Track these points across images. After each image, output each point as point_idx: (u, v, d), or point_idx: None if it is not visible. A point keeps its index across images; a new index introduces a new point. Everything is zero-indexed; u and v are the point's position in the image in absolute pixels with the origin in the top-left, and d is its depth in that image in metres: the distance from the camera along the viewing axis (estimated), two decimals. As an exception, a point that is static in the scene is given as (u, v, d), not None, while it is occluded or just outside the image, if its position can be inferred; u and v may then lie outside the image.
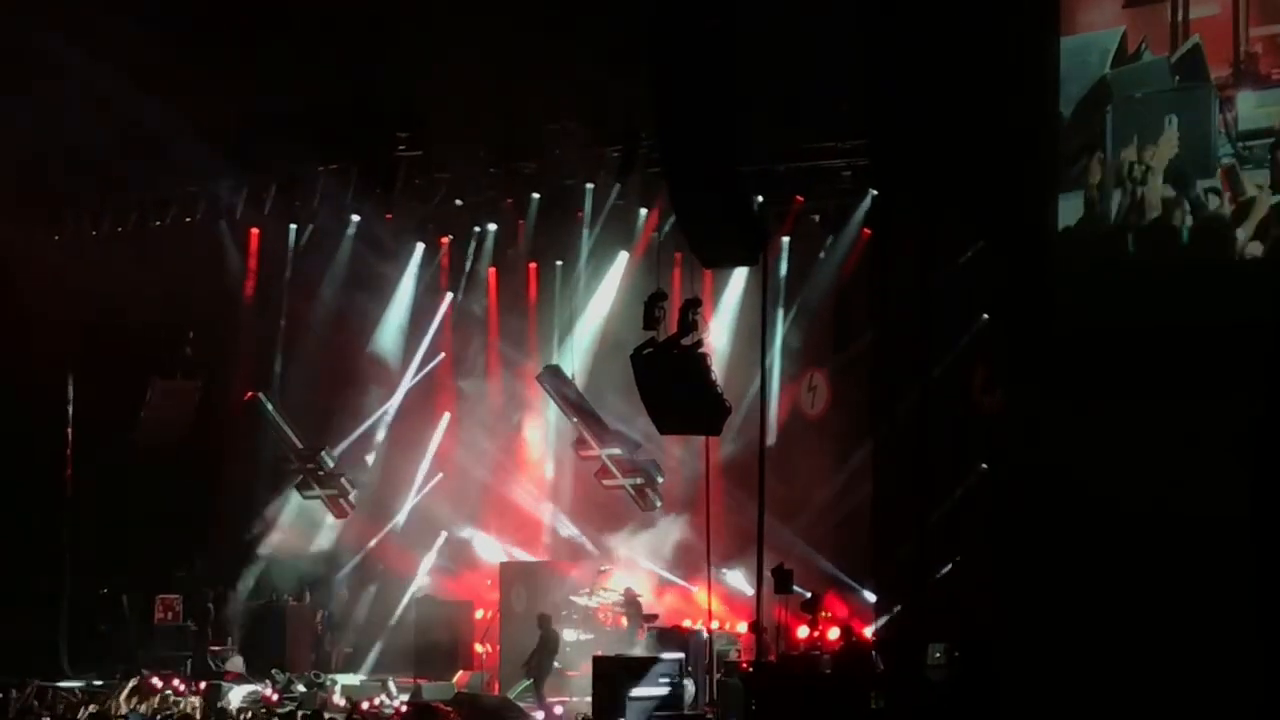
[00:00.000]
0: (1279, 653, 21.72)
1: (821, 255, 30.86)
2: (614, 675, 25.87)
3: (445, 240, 34.74)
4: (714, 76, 20.67)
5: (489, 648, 31.51)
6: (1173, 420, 23.02)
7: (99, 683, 31.63)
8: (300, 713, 26.29)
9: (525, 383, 33.74)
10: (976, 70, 25.49)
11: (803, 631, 27.55)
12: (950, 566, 26.42)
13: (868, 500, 28.11)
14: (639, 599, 30.02)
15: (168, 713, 27.64)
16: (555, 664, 29.11)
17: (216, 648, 33.22)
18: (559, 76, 29.46)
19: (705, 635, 27.16)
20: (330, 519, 34.18)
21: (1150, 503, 23.12)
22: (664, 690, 25.31)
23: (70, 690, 30.54)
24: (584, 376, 33.14)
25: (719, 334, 30.23)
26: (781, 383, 30.79)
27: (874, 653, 25.94)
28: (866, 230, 29.90)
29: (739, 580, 29.78)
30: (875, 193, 29.20)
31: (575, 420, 32.36)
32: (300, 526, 34.14)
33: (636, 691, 25.11)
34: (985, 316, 27.24)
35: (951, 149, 25.93)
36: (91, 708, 28.11)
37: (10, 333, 34.71)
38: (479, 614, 32.40)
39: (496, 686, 30.07)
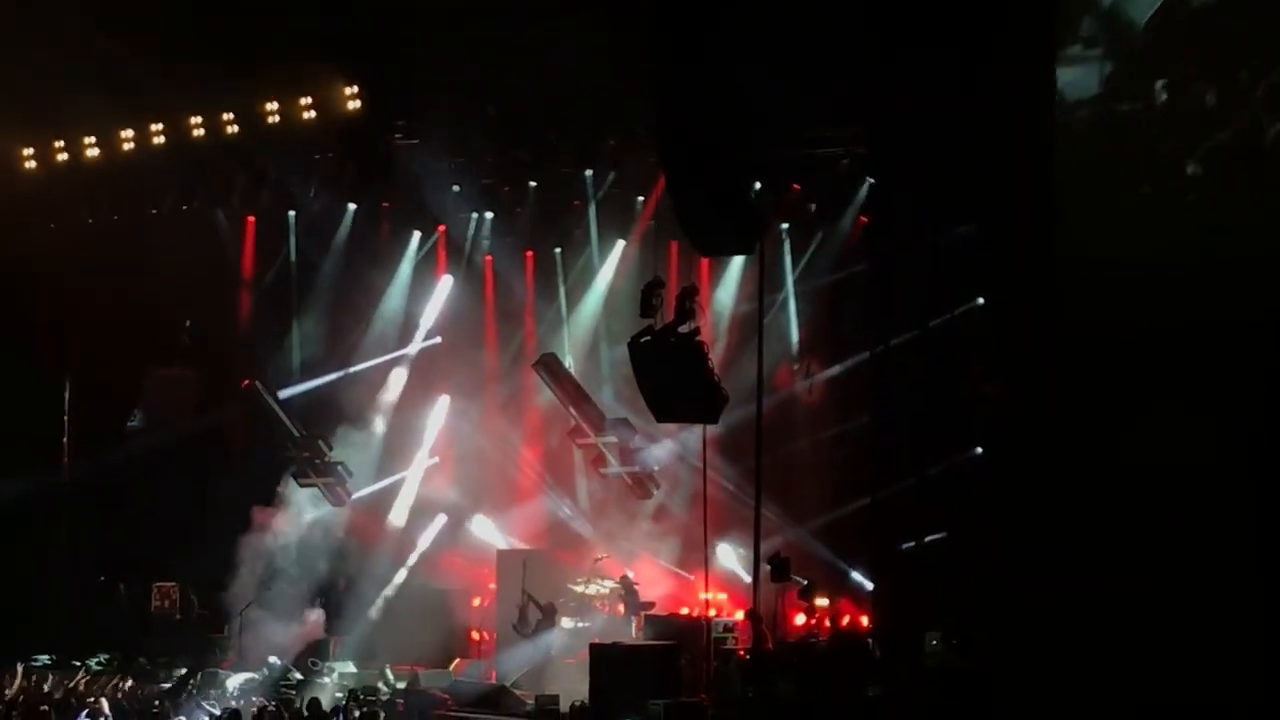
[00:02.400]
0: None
1: (818, 242, 30.87)
2: (611, 662, 25.98)
3: (442, 228, 34.72)
4: (711, 64, 20.63)
5: (485, 635, 31.52)
6: (1173, 410, 23.05)
7: (98, 666, 31.74)
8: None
9: (522, 370, 33.75)
10: (975, 56, 25.49)
11: (799, 619, 27.63)
12: (947, 554, 26.42)
13: (864, 486, 28.16)
14: (636, 586, 30.08)
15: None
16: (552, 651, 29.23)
17: (215, 636, 33.27)
18: (555, 64, 29.44)
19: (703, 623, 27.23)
20: (328, 506, 34.15)
21: (1150, 489, 23.16)
22: None
23: (54, 669, 30.74)
24: (580, 364, 33.18)
25: (716, 322, 30.24)
26: (778, 369, 30.77)
27: (870, 640, 25.99)
28: (863, 218, 29.91)
29: (728, 556, 29.84)
30: (872, 180, 29.23)
31: (571, 408, 32.39)
32: (297, 514, 34.08)
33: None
34: (980, 300, 27.25)
35: (950, 136, 25.96)
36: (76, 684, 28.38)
37: (7, 322, 34.72)
38: (475, 601, 32.44)
39: (494, 674, 30.10)
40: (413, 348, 35.03)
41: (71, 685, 28.79)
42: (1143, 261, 24.29)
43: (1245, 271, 22.93)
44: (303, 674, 30.36)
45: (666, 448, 31.46)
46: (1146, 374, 23.62)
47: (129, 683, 29.65)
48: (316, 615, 32.92)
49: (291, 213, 35.17)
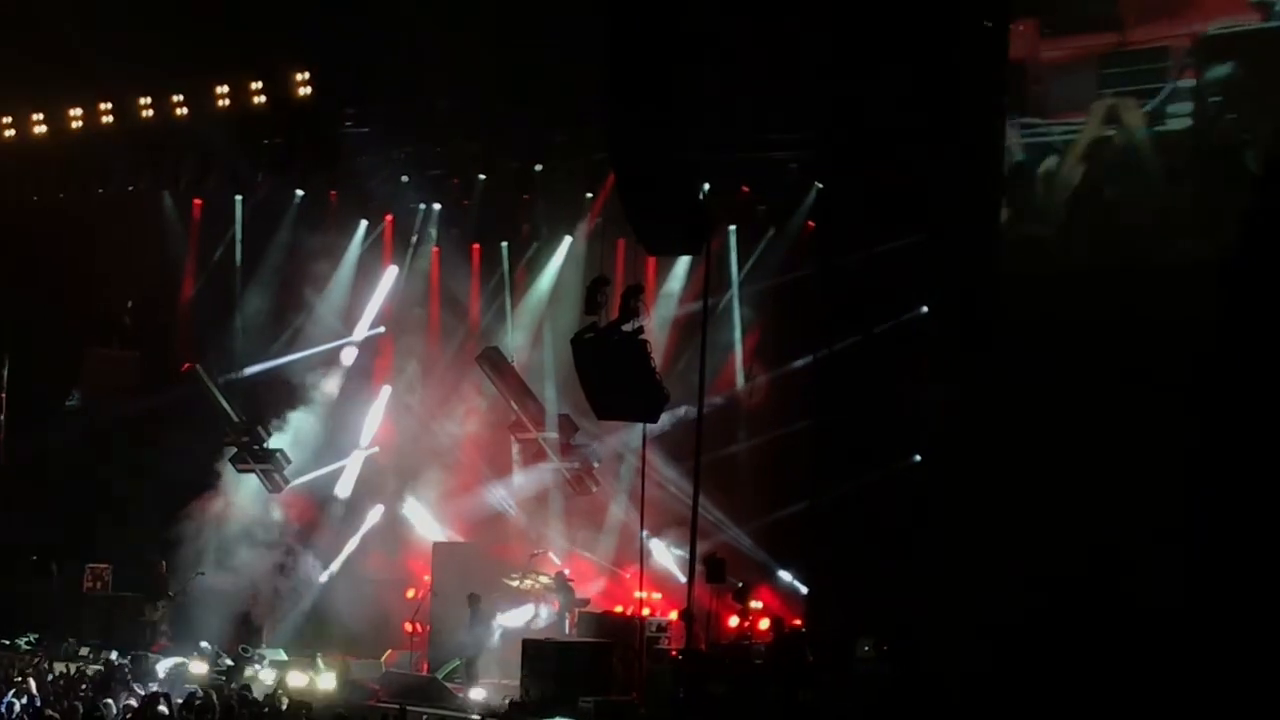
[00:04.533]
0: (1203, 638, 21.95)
1: (765, 245, 30.88)
2: (544, 659, 25.98)
3: (389, 217, 34.64)
4: (663, 65, 20.65)
5: (418, 627, 31.45)
6: (1113, 420, 23.24)
7: (26, 645, 31.58)
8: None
9: (465, 363, 33.67)
10: (926, 65, 25.64)
11: (733, 621, 27.66)
12: (882, 560, 26.48)
13: (803, 490, 28.25)
14: (571, 583, 30.05)
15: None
16: (488, 644, 29.15)
17: (147, 619, 33.04)
18: (508, 58, 29.42)
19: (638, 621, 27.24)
20: (264, 492, 33.98)
21: (1089, 498, 23.35)
22: None
23: None
24: (524, 359, 33.13)
25: (661, 321, 30.23)
26: (722, 370, 30.79)
27: (805, 644, 26.05)
28: (810, 222, 29.95)
29: (664, 555, 29.87)
30: (820, 185, 29.30)
31: (513, 403, 32.37)
32: (234, 499, 33.91)
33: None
34: (924, 309, 27.37)
35: (899, 144, 26.09)
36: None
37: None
38: (409, 593, 32.36)
39: (426, 666, 30.04)
40: (356, 337, 34.92)
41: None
42: (1084, 272, 24.55)
43: (1183, 282, 23.23)
44: (234, 660, 30.18)
45: (607, 445, 31.46)
46: (1087, 384, 23.81)
47: (57, 664, 29.47)
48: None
49: (238, 197, 35.03)
